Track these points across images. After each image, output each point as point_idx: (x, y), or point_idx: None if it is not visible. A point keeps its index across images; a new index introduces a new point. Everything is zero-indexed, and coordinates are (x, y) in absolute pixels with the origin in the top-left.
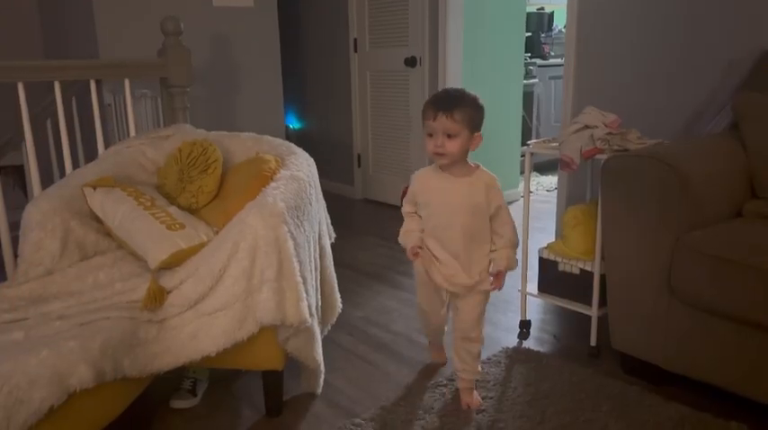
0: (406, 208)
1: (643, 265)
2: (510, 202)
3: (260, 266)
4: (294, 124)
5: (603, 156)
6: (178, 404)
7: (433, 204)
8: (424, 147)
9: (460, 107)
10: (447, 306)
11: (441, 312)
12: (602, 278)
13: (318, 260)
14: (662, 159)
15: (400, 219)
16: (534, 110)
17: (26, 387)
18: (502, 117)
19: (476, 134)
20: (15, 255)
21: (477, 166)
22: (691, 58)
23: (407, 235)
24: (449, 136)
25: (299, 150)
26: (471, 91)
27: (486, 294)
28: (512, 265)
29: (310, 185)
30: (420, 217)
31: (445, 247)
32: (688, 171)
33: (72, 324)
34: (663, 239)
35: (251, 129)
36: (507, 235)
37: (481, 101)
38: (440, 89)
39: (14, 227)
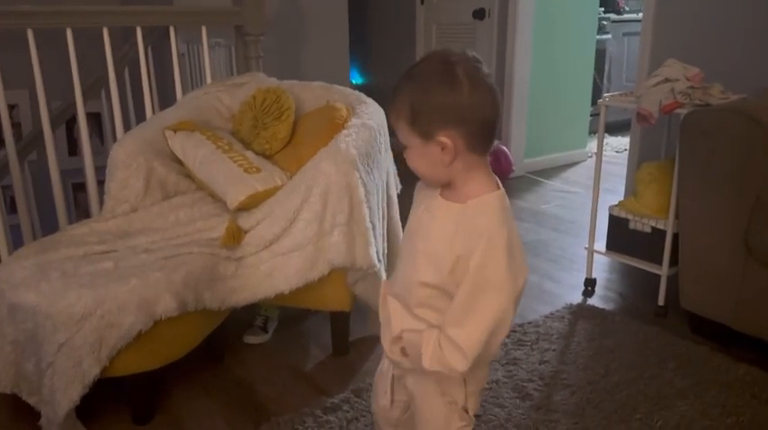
0: None
1: (719, 224)
2: (576, 163)
3: (332, 210)
4: (357, 80)
5: (684, 111)
6: (250, 339)
7: (408, 225)
8: None
9: (397, 97)
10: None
11: (381, 403)
12: (674, 237)
13: (386, 208)
14: (746, 114)
15: None
16: (606, 68)
17: (117, 312)
18: (571, 75)
19: (436, 139)
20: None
21: (490, 191)
22: None
23: None
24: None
25: (369, 100)
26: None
27: (452, 406)
28: (417, 358)
29: (380, 134)
30: None
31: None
32: None
33: (157, 257)
34: (743, 197)
35: (318, 80)
36: (453, 323)
37: (461, 69)
38: (507, 45)
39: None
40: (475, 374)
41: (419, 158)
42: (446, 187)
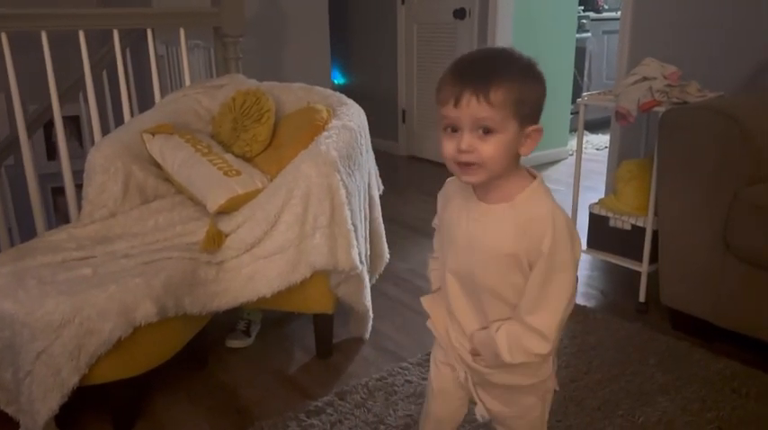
0: (436, 220)
1: (698, 220)
2: (557, 161)
3: (313, 213)
4: (339, 80)
5: (662, 109)
6: (233, 343)
7: (449, 239)
8: (440, 150)
9: (504, 80)
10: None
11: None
12: (654, 234)
13: (368, 210)
14: (723, 112)
15: (444, 176)
16: (586, 66)
17: (96, 319)
18: (552, 73)
19: (531, 128)
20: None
21: (534, 179)
22: (755, 8)
23: (431, 264)
24: (484, 131)
25: (350, 101)
26: (523, 52)
27: (542, 394)
28: (493, 356)
29: (361, 135)
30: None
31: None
32: (750, 124)
33: (136, 262)
34: (721, 194)
35: (298, 82)
36: (530, 311)
37: (540, 68)
38: (488, 44)
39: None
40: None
41: (502, 145)
42: (483, 187)
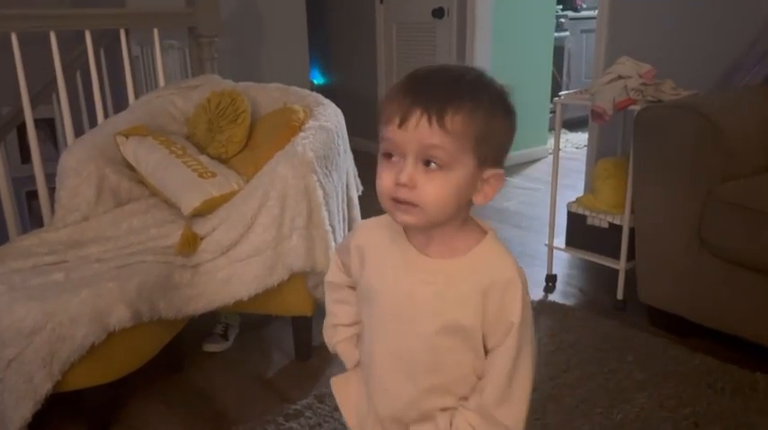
0: (332, 275)
1: (673, 218)
2: (537, 160)
3: (290, 214)
4: (318, 79)
5: (637, 108)
6: (211, 348)
7: (375, 303)
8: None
9: (467, 105)
10: None
11: None
12: (631, 231)
13: (346, 211)
14: (696, 110)
15: None
16: (564, 65)
17: (68, 324)
18: (531, 72)
19: (491, 172)
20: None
21: (485, 232)
22: (729, 8)
23: (330, 333)
24: (428, 163)
25: (327, 101)
26: (492, 75)
27: None
28: None
29: (338, 136)
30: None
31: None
32: (722, 122)
33: (109, 267)
34: (695, 191)
35: (276, 82)
36: (498, 401)
37: (511, 101)
38: (467, 43)
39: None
40: None
41: (451, 186)
42: (423, 235)
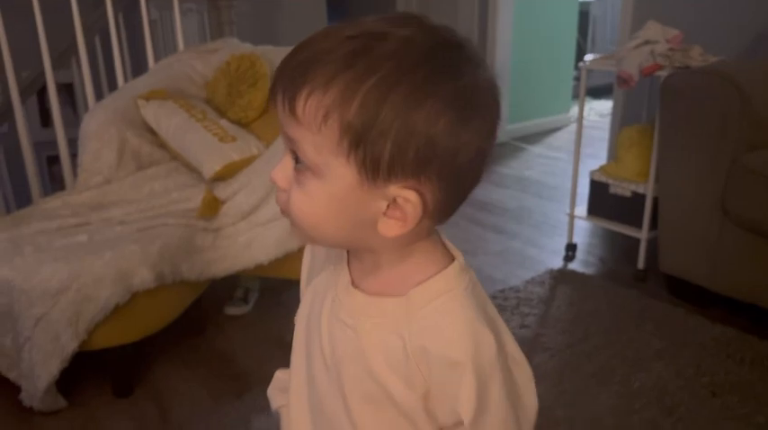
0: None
1: (698, 187)
2: (559, 128)
3: None
4: None
5: (664, 73)
6: (231, 311)
7: (296, 337)
8: None
9: (331, 78)
10: None
11: None
12: (654, 201)
13: None
14: (725, 77)
15: None
16: (589, 31)
17: (93, 285)
18: (555, 38)
19: (396, 189)
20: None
21: (443, 267)
22: None
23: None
24: (297, 161)
25: None
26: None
27: None
28: None
29: None
30: None
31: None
32: (751, 90)
33: (132, 229)
34: (720, 160)
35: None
36: None
37: (475, 70)
38: (489, 6)
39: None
40: None
41: (323, 197)
42: (356, 258)
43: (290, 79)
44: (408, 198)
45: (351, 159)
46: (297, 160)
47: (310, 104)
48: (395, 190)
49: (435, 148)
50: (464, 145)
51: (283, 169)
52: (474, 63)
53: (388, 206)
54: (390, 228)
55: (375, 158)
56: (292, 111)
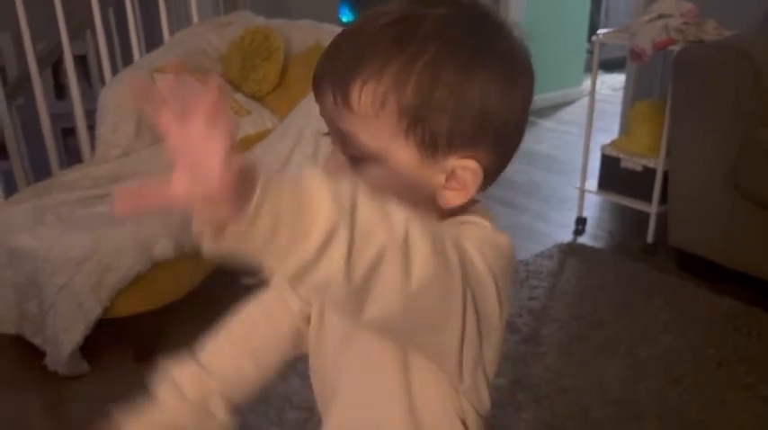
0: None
1: (709, 161)
2: (570, 102)
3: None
4: (347, 16)
5: (677, 47)
6: (249, 280)
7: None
8: None
9: (369, 64)
10: None
11: None
12: (664, 175)
13: None
14: (739, 51)
15: None
16: (603, 3)
17: (114, 255)
18: (567, 10)
19: (455, 160)
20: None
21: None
22: None
23: None
24: (351, 156)
25: None
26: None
27: None
28: None
29: None
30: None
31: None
32: (765, 64)
33: None
34: (732, 135)
35: (304, 18)
36: None
37: (507, 41)
38: None
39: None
40: None
41: (389, 182)
42: None
43: (339, 74)
44: (468, 166)
45: (410, 139)
46: (349, 156)
47: (366, 93)
48: (454, 161)
49: (489, 116)
50: (513, 108)
51: (335, 163)
52: (506, 29)
53: (446, 179)
54: (452, 198)
55: (434, 134)
56: (347, 103)
